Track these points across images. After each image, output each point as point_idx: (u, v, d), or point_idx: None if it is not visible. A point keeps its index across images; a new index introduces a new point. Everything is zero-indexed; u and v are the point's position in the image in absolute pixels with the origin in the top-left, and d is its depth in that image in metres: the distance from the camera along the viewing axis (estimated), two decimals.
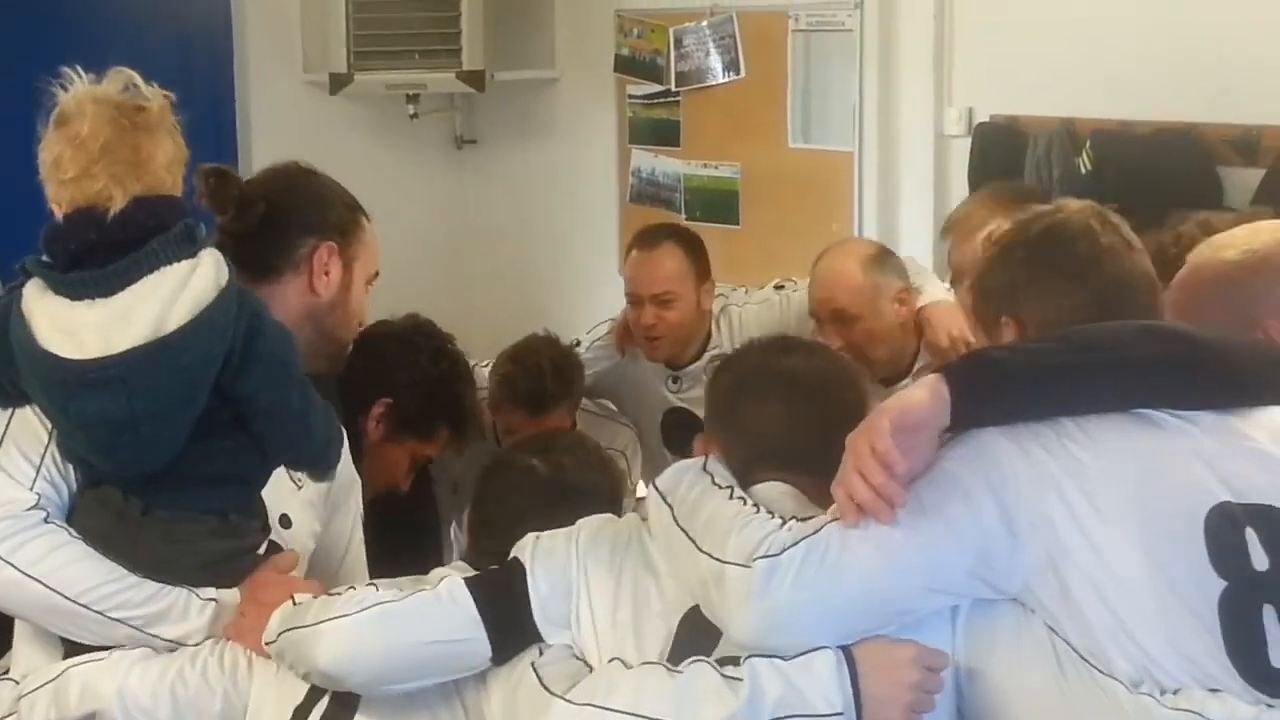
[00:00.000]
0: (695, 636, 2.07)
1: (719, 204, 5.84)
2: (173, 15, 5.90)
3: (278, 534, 2.58)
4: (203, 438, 2.37)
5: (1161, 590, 1.91)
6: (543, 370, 3.91)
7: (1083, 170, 4.71)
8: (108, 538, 2.39)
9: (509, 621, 2.18)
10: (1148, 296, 2.24)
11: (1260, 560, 1.91)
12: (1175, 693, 1.88)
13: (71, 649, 2.43)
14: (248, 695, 2.36)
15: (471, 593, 2.20)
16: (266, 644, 2.32)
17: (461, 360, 3.48)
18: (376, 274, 2.81)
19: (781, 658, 1.97)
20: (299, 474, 2.62)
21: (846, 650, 1.98)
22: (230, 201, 2.59)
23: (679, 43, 5.90)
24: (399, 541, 3.37)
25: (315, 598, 2.32)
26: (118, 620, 2.37)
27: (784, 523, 2.03)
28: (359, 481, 2.80)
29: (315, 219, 2.69)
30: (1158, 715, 1.87)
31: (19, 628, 2.53)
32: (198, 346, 2.29)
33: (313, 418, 2.48)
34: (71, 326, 2.29)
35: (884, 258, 3.97)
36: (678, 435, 4.12)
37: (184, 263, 2.31)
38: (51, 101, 2.33)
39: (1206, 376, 2.04)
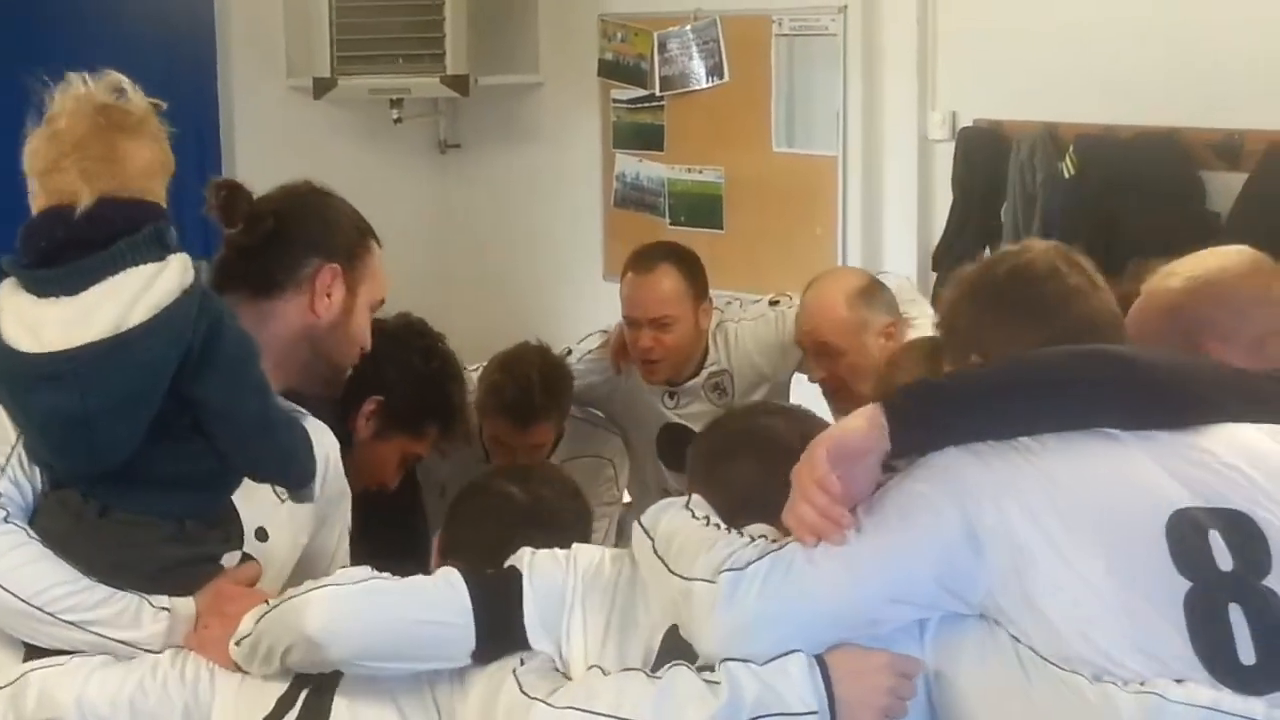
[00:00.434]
0: (676, 652, 2.09)
1: (703, 208, 5.85)
2: (156, 19, 5.88)
3: (253, 547, 2.54)
4: (161, 440, 2.36)
5: (1125, 592, 1.93)
6: (531, 382, 3.90)
7: (1066, 175, 4.73)
8: (65, 540, 2.38)
9: (499, 617, 2.19)
10: (1114, 335, 2.28)
11: (1225, 561, 1.94)
12: (1141, 683, 1.90)
13: (32, 651, 2.41)
14: (209, 709, 2.34)
15: (467, 582, 2.21)
16: (236, 643, 2.32)
17: (452, 359, 3.48)
18: (382, 301, 2.80)
19: (754, 662, 2.00)
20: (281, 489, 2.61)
21: (819, 656, 2.01)
22: (239, 214, 2.57)
23: (663, 47, 5.90)
24: (385, 548, 3.36)
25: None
26: (69, 623, 2.35)
27: (751, 540, 2.07)
28: (349, 495, 2.78)
29: (322, 240, 2.67)
30: (1120, 700, 1.89)
31: None
32: (154, 345, 2.29)
33: (275, 428, 2.46)
34: (35, 322, 2.29)
35: (871, 291, 3.94)
36: (673, 451, 4.10)
37: (151, 265, 2.30)
38: (43, 103, 2.34)
39: (1145, 396, 2.07)
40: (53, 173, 2.30)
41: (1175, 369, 2.14)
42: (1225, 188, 4.45)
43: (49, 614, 2.34)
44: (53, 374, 2.27)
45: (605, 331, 4.33)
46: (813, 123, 5.57)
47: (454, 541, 2.56)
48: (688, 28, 5.82)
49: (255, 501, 2.55)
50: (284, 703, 2.29)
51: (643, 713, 1.99)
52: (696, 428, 2.49)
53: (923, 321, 3.89)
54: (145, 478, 2.38)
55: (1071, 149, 4.73)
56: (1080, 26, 4.77)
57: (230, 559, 2.50)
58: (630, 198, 6.13)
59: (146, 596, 2.39)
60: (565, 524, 2.50)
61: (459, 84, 5.99)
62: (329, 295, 2.65)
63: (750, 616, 2.00)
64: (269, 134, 5.91)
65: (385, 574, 2.28)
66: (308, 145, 5.75)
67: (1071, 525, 1.96)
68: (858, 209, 5.45)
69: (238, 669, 2.34)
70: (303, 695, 2.29)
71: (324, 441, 2.61)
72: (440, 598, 2.21)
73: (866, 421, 2.04)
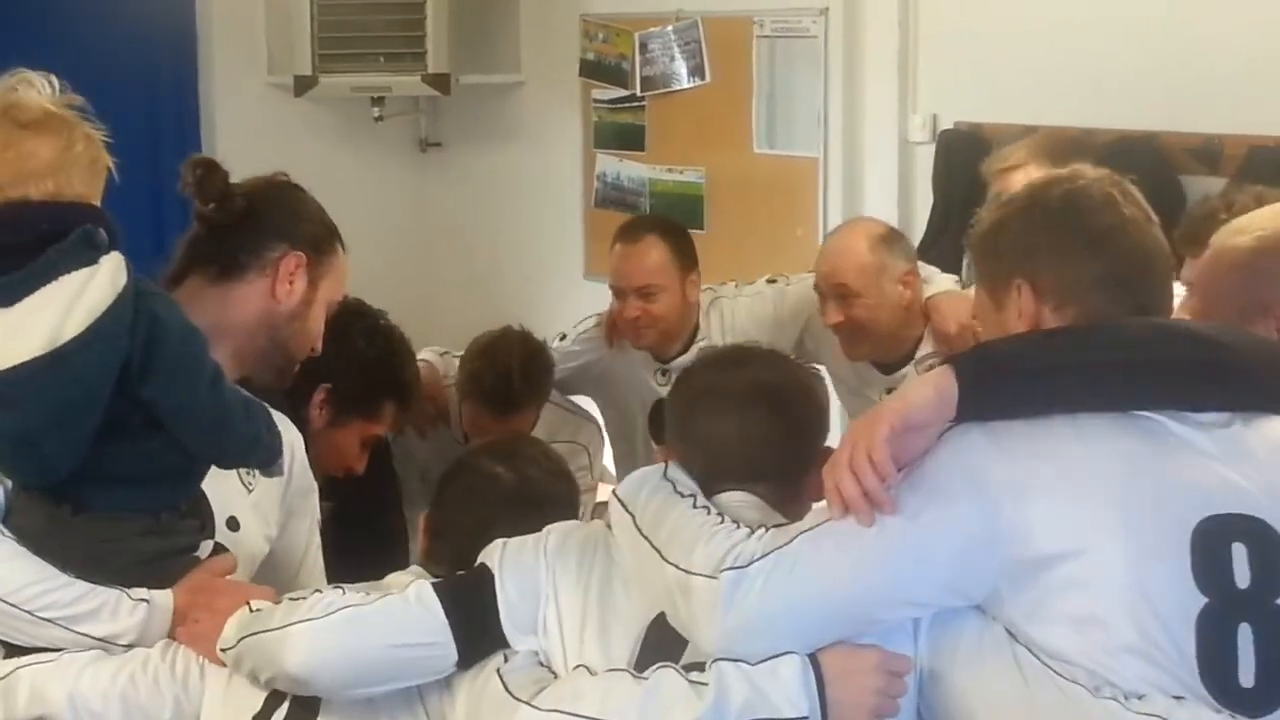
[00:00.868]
0: (661, 643, 2.07)
1: (684, 209, 5.84)
2: (137, 16, 5.86)
3: (225, 537, 2.55)
4: (120, 439, 2.34)
5: (1138, 601, 1.90)
6: (511, 371, 3.91)
7: None
8: (40, 537, 2.37)
9: (477, 627, 2.17)
10: (1164, 269, 2.19)
11: (1243, 577, 1.91)
12: (1140, 698, 1.88)
13: (11, 650, 2.40)
14: (199, 702, 2.33)
15: (440, 597, 2.19)
16: (222, 650, 2.31)
17: (395, 334, 3.46)
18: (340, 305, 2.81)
19: (747, 663, 1.98)
20: (250, 477, 2.60)
21: (811, 656, 1.98)
22: (213, 193, 2.57)
23: (644, 48, 5.91)
24: (361, 541, 3.36)
25: (275, 603, 2.31)
26: (47, 620, 2.34)
27: (751, 532, 2.02)
28: (315, 487, 2.79)
29: (291, 228, 2.67)
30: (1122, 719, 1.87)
31: None
32: (91, 358, 2.25)
33: (231, 414, 2.43)
34: None
35: (893, 238, 3.98)
36: (664, 426, 4.12)
37: (81, 271, 2.26)
38: None
39: (1217, 380, 2.03)
40: None
41: (1249, 350, 2.09)
42: (1204, 192, 4.43)
43: (27, 612, 2.33)
44: None
45: (601, 314, 4.34)
46: (794, 124, 5.58)
47: (441, 522, 2.56)
48: (669, 28, 5.83)
49: (224, 491, 2.55)
50: (273, 700, 2.29)
51: (627, 715, 1.98)
52: None
53: (941, 281, 3.98)
54: (111, 477, 2.37)
55: None
56: (1061, 30, 4.78)
57: (203, 549, 2.50)
58: (611, 197, 6.14)
59: (125, 590, 2.38)
60: (553, 504, 2.48)
61: (440, 83, 5.99)
62: (291, 282, 2.64)
63: (752, 617, 1.96)
64: (249, 132, 5.89)
65: (359, 594, 2.24)
66: (288, 143, 5.74)
67: (1093, 525, 1.92)
68: (838, 210, 5.45)
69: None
70: (291, 695, 2.29)
71: (288, 433, 2.61)
72: (415, 619, 2.18)
73: (935, 391, 1.98)
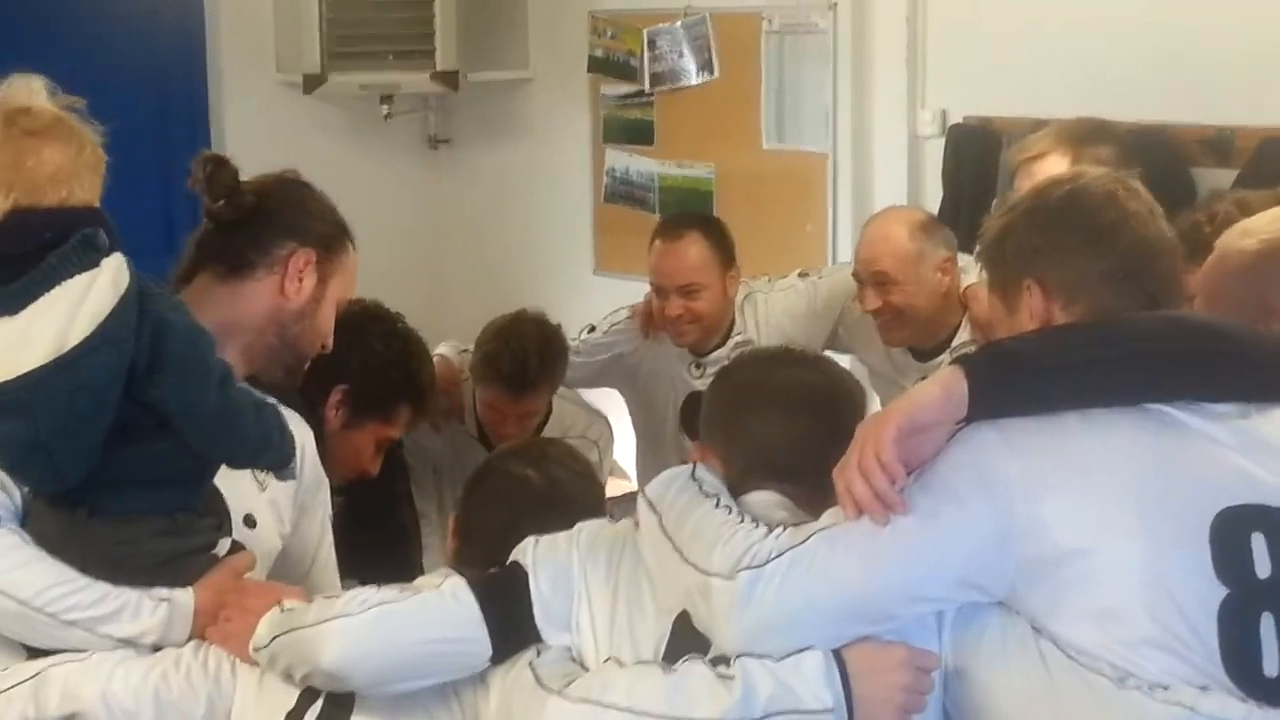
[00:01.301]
0: (686, 641, 2.09)
1: (693, 204, 5.83)
2: (145, 15, 5.86)
3: (243, 534, 2.56)
4: (133, 442, 2.34)
5: (1159, 593, 1.90)
6: (527, 353, 3.93)
7: None
8: (59, 541, 2.37)
9: (511, 623, 2.18)
10: (1170, 261, 2.20)
11: (1264, 567, 1.91)
12: (1165, 689, 1.88)
13: (35, 651, 2.41)
14: (231, 699, 2.35)
15: (474, 593, 2.20)
16: (255, 650, 2.32)
17: (413, 337, 3.47)
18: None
19: (771, 659, 1.98)
20: (263, 474, 2.60)
21: (836, 652, 1.99)
22: (223, 189, 2.58)
23: (653, 44, 5.89)
24: (373, 538, 3.37)
25: (307, 603, 2.32)
26: (69, 622, 2.35)
27: (769, 531, 2.03)
28: (326, 482, 2.79)
29: (301, 225, 2.67)
30: (1148, 710, 1.87)
31: None
32: (98, 363, 2.25)
33: (240, 416, 2.43)
34: None
35: (933, 226, 4.03)
36: (697, 420, 4.13)
37: (83, 275, 2.26)
38: None
39: (1231, 371, 2.03)
40: None
41: (1262, 341, 2.10)
42: (1216, 184, 4.42)
43: (50, 615, 2.34)
44: (2, 406, 2.25)
45: (633, 307, 4.34)
46: (803, 119, 5.57)
47: (469, 524, 2.57)
48: (678, 24, 5.81)
49: (239, 489, 2.56)
50: (307, 697, 2.30)
51: (656, 706, 1.99)
52: None
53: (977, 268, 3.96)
54: (123, 480, 2.37)
55: None
56: (1071, 23, 4.78)
57: (221, 546, 2.50)
58: (620, 192, 6.13)
59: (145, 590, 2.39)
60: (580, 505, 2.48)
61: (449, 80, 5.98)
62: (300, 279, 2.65)
63: (769, 615, 1.98)
64: (258, 130, 5.89)
65: (393, 591, 2.26)
66: (297, 141, 5.75)
67: (1110, 520, 1.92)
68: (848, 205, 5.45)
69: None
70: (325, 692, 2.29)
71: (299, 430, 2.61)
72: (451, 615, 2.20)
73: (943, 390, 1.99)
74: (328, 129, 6.22)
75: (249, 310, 2.61)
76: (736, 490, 2.19)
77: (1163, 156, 4.51)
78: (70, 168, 2.30)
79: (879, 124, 5.39)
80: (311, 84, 5.97)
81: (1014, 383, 2.01)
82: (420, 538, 4.05)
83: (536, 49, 6.31)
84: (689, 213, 4.68)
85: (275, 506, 2.64)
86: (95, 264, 2.27)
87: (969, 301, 3.94)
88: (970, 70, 5.11)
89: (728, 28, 5.71)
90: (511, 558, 2.25)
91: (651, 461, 4.37)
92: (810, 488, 2.14)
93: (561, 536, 2.26)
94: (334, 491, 2.87)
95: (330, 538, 2.81)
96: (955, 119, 5.15)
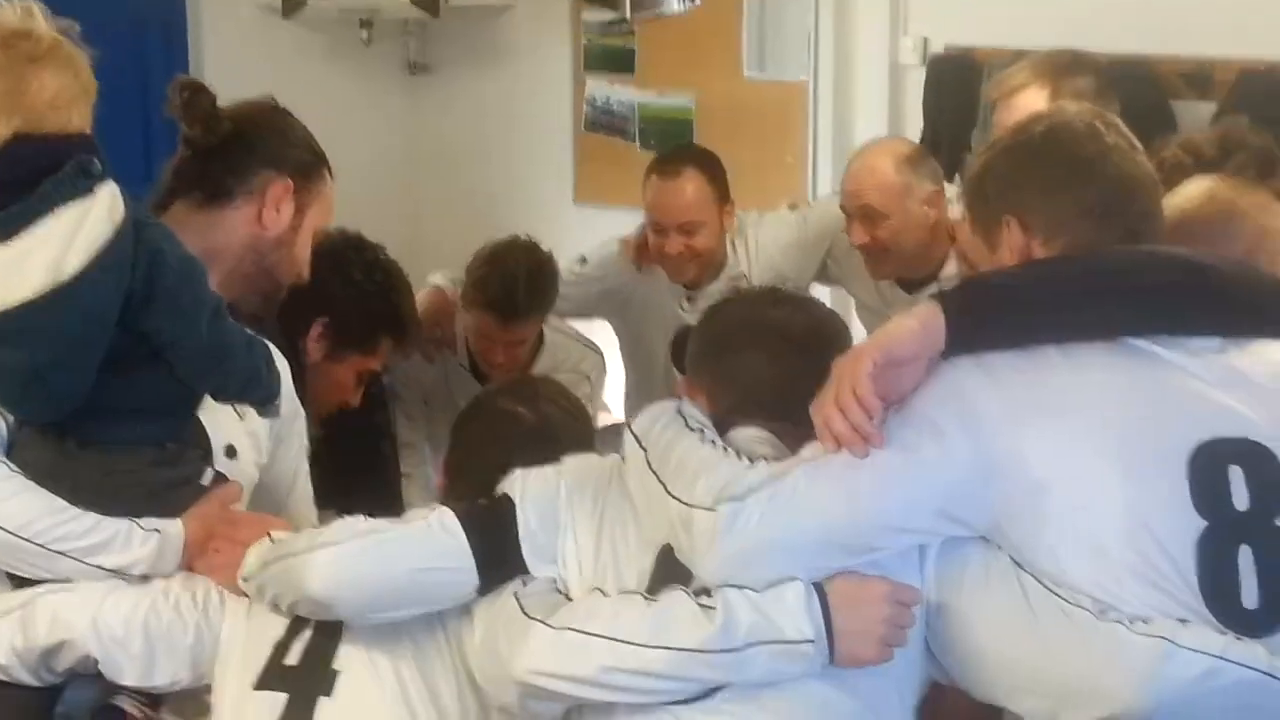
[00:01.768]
0: (669, 574, 2.11)
1: (673, 133, 5.82)
2: None
3: (224, 465, 2.57)
4: (123, 372, 2.35)
5: (1138, 526, 1.92)
6: (517, 279, 3.91)
7: None
8: (49, 471, 2.38)
9: (497, 553, 2.21)
10: (1151, 196, 2.21)
11: (1241, 499, 1.93)
12: (1146, 621, 1.90)
13: (23, 581, 2.42)
14: (220, 629, 2.37)
15: (462, 523, 2.23)
16: (243, 580, 2.33)
17: (394, 268, 3.47)
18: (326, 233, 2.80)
19: (752, 589, 2.00)
20: (242, 405, 2.60)
21: (818, 585, 2.01)
22: (200, 115, 2.57)
23: None
24: (352, 465, 3.37)
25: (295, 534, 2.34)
26: (59, 553, 2.36)
27: (751, 464, 2.05)
28: (303, 413, 2.79)
29: (279, 153, 2.67)
30: (1128, 642, 1.89)
31: None
32: (95, 292, 2.26)
33: (231, 349, 2.45)
34: None
35: (919, 158, 3.99)
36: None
37: (78, 203, 2.25)
38: None
39: (1209, 304, 2.04)
40: None
41: (1241, 275, 2.10)
42: (1195, 117, 4.44)
43: (39, 545, 2.35)
44: None
45: (624, 239, 4.32)
46: (784, 48, 5.54)
47: (461, 461, 2.59)
48: None
49: (219, 419, 2.56)
50: (296, 625, 2.32)
51: (638, 634, 2.01)
52: None
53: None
54: (115, 409, 2.38)
55: None
56: None
57: (205, 477, 2.51)
58: (601, 121, 6.10)
59: (136, 520, 2.40)
60: (571, 442, 2.50)
61: (429, 5, 5.93)
62: (278, 209, 2.65)
63: (750, 545, 1.99)
64: (237, 53, 5.84)
65: (379, 520, 2.29)
66: (276, 65, 5.70)
67: (1089, 452, 1.94)
68: (828, 136, 5.44)
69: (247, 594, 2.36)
70: (314, 621, 2.31)
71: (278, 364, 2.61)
72: (438, 545, 2.22)
73: (919, 324, 2.00)
74: (306, 53, 6.17)
75: (226, 238, 2.61)
76: (723, 426, 2.20)
77: (1142, 89, 4.51)
78: (69, 94, 2.29)
79: (860, 53, 5.37)
80: (291, 7, 5.91)
81: (992, 316, 2.02)
82: (399, 468, 4.06)
83: None
84: (684, 147, 4.65)
85: (254, 437, 2.65)
86: (90, 192, 2.27)
87: (957, 234, 3.94)
88: None
89: None
90: (499, 490, 2.27)
91: (643, 393, 4.37)
92: (795, 424, 2.15)
93: (549, 470, 2.28)
94: (312, 424, 2.87)
95: (306, 468, 2.82)
96: (937, 48, 5.13)
